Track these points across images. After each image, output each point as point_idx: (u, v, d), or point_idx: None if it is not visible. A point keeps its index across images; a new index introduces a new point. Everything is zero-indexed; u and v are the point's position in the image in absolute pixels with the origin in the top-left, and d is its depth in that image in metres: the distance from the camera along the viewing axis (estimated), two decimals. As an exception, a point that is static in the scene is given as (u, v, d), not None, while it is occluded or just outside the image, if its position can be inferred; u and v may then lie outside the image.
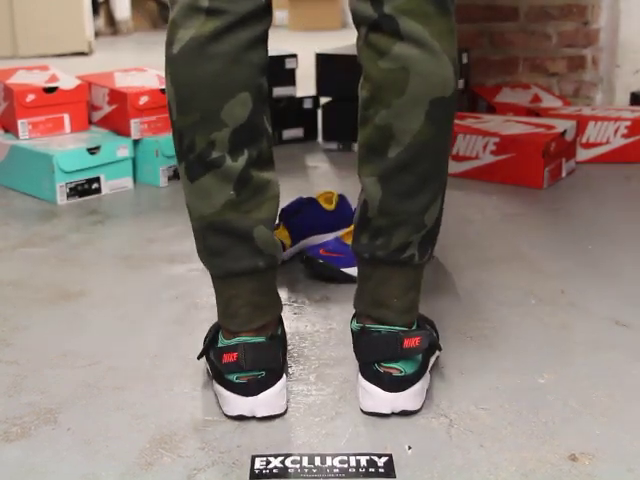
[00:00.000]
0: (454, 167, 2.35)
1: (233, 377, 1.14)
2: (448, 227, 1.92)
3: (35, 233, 1.96)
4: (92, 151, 2.21)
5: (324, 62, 2.72)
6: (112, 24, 7.03)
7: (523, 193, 2.20)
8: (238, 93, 1.08)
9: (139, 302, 1.56)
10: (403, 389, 1.14)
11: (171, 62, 1.10)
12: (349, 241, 1.67)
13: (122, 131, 2.33)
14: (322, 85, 2.74)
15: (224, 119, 1.09)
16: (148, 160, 2.32)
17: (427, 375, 1.20)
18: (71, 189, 2.18)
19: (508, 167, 2.27)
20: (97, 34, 6.39)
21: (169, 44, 1.10)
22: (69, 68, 3.59)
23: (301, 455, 1.07)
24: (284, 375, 1.18)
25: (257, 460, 1.06)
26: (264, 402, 1.13)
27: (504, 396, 1.21)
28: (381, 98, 1.07)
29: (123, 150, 2.27)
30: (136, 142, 2.32)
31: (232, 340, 1.16)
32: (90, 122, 2.43)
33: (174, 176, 2.33)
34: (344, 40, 3.84)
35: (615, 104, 2.94)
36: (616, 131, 2.50)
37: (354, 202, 1.82)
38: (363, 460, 1.05)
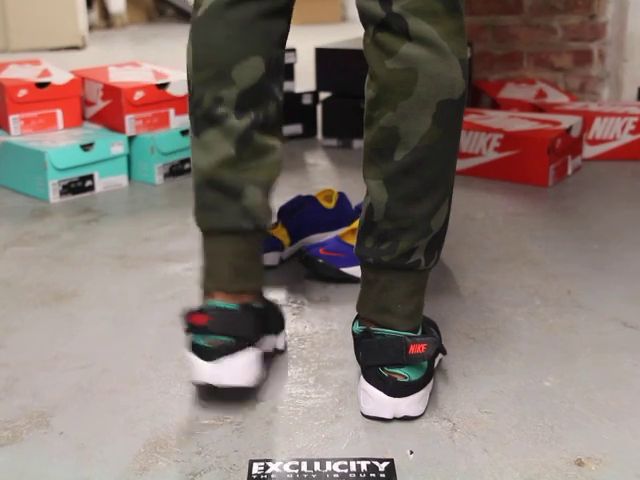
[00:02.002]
0: (457, 164, 2.35)
1: (201, 340, 1.15)
2: (451, 226, 1.93)
3: (27, 232, 1.96)
4: (86, 148, 2.20)
5: (324, 57, 2.72)
6: (106, 17, 7.03)
7: (528, 191, 2.20)
8: (251, 56, 1.15)
9: (134, 302, 1.56)
10: (406, 395, 1.14)
11: (194, 24, 1.19)
12: (349, 240, 1.67)
13: (116, 127, 2.33)
14: (321, 80, 2.75)
15: (234, 78, 1.15)
16: (143, 157, 2.32)
17: (431, 381, 1.20)
18: (64, 187, 2.18)
19: (512, 164, 2.27)
20: (91, 27, 6.39)
21: (195, 8, 1.19)
22: (62, 62, 3.59)
23: (300, 460, 1.07)
24: (257, 349, 1.18)
25: (255, 465, 1.05)
26: (229, 370, 1.14)
27: (508, 399, 1.21)
28: (387, 99, 1.08)
29: (117, 147, 2.27)
30: (131, 139, 2.32)
31: (206, 303, 1.17)
32: (83, 118, 2.43)
33: (170, 173, 2.34)
34: (344, 34, 3.84)
35: (622, 99, 2.94)
36: (623, 127, 2.50)
37: (354, 200, 1.83)
38: (364, 465, 1.05)
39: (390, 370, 1.14)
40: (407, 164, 1.09)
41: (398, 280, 1.15)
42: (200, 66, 1.16)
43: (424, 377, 1.16)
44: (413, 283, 1.15)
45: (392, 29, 1.06)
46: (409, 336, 1.14)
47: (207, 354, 1.14)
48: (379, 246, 1.14)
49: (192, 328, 1.15)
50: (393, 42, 1.06)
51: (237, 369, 1.15)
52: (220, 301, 1.17)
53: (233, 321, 1.15)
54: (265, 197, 1.19)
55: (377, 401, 1.14)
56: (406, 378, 1.14)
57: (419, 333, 1.18)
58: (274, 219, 1.21)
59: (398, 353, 1.13)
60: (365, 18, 1.10)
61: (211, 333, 1.14)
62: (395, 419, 1.15)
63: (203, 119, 1.17)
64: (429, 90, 1.06)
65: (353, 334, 1.19)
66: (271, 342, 1.30)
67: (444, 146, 1.09)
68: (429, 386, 1.19)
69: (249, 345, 1.17)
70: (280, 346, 1.33)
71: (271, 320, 1.28)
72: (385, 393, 1.13)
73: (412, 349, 1.12)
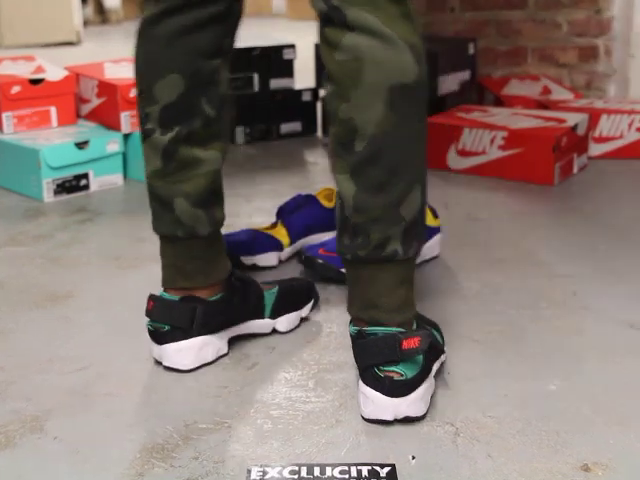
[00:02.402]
0: (459, 163, 2.36)
1: (149, 324, 1.31)
2: (454, 226, 1.93)
3: (20, 232, 1.96)
4: (80, 146, 2.20)
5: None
6: (101, 12, 7.03)
7: (533, 190, 2.20)
8: (168, 74, 1.23)
9: (130, 304, 1.56)
10: (405, 394, 1.14)
11: (135, 38, 1.30)
12: (350, 240, 1.67)
13: (112, 125, 2.33)
14: (321, 77, 2.74)
15: (156, 96, 1.25)
16: (139, 155, 2.32)
17: (431, 380, 1.20)
18: (58, 186, 2.18)
19: (517, 163, 2.27)
20: (86, 23, 6.39)
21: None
22: (56, 59, 3.59)
23: (299, 465, 1.06)
24: (196, 338, 1.29)
25: (254, 470, 1.05)
26: (166, 353, 1.30)
27: (513, 403, 1.21)
28: (340, 92, 1.11)
29: (113, 145, 2.27)
30: (127, 136, 2.32)
31: (160, 292, 1.33)
32: (78, 115, 2.43)
33: (166, 172, 2.33)
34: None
35: (629, 96, 2.94)
36: (630, 125, 2.50)
37: (355, 199, 1.83)
38: (365, 470, 1.05)
39: (386, 369, 1.14)
40: (368, 154, 1.11)
41: (379, 273, 1.16)
42: (136, 83, 1.28)
43: (420, 373, 1.16)
44: (395, 274, 1.16)
45: (334, 22, 1.10)
46: (401, 332, 1.14)
47: (153, 337, 1.31)
48: (354, 241, 1.15)
49: (145, 312, 1.32)
50: (336, 34, 1.10)
51: (172, 354, 1.29)
52: (167, 293, 1.31)
53: (169, 311, 1.29)
54: (195, 207, 1.27)
55: (376, 403, 1.14)
56: (402, 376, 1.14)
57: (414, 327, 1.19)
58: (221, 223, 1.31)
59: (392, 350, 1.13)
60: (316, 14, 1.15)
61: (153, 319, 1.31)
62: (397, 423, 1.15)
63: (140, 133, 1.29)
64: (377, 77, 1.08)
65: (350, 336, 1.19)
66: (257, 326, 1.40)
67: (402, 132, 1.11)
68: (429, 385, 1.18)
69: (186, 333, 1.29)
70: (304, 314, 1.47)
71: (248, 307, 1.37)
72: (383, 394, 1.13)
73: (405, 344, 1.13)
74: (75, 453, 1.11)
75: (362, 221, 1.14)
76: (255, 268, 1.69)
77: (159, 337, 1.30)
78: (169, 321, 1.29)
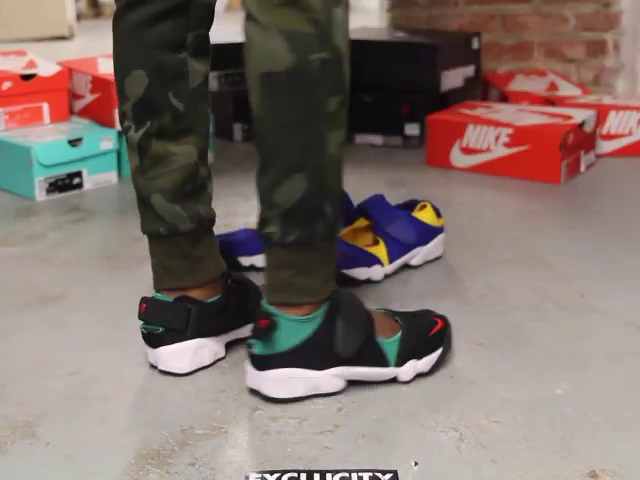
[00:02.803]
0: (463, 161, 2.36)
1: (143, 327, 1.32)
2: (457, 226, 1.93)
3: (12, 231, 1.96)
4: (73, 143, 2.20)
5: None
6: (95, 6, 7.03)
7: (538, 189, 2.20)
8: (133, 70, 1.26)
9: (124, 306, 1.56)
10: (260, 368, 1.21)
11: None
12: (350, 240, 1.68)
13: (106, 121, 2.33)
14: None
15: (127, 93, 1.28)
16: (134, 153, 2.32)
17: (310, 375, 1.21)
18: (51, 184, 2.18)
19: (522, 161, 2.27)
20: (79, 17, 6.39)
21: None
22: (48, 53, 3.59)
23: (299, 471, 1.07)
24: (191, 340, 1.30)
25: (252, 476, 1.05)
26: (160, 357, 1.30)
27: (518, 408, 1.21)
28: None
29: (107, 142, 2.27)
30: (121, 133, 2.32)
31: (154, 294, 1.34)
32: (71, 112, 2.43)
33: (162, 170, 2.33)
34: (345, 23, 3.85)
35: (638, 92, 2.94)
36: (639, 121, 2.50)
37: (356, 198, 1.82)
38: (366, 477, 1.05)
39: (250, 341, 1.22)
40: (256, 135, 1.18)
41: (266, 251, 1.22)
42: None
43: (273, 355, 1.20)
44: (274, 256, 1.20)
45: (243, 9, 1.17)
46: (265, 311, 1.20)
47: (145, 339, 1.32)
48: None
49: (138, 315, 1.32)
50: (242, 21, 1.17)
51: (166, 357, 1.30)
52: (160, 294, 1.32)
53: (162, 312, 1.30)
54: (172, 203, 1.29)
55: (247, 372, 1.24)
56: (255, 350, 1.21)
57: (309, 315, 1.20)
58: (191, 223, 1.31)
59: (255, 325, 1.22)
60: None
61: (146, 321, 1.31)
62: (399, 428, 1.15)
63: (122, 131, 1.34)
64: (252, 63, 1.14)
65: None
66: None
67: (275, 119, 1.15)
68: (304, 378, 1.21)
69: (181, 335, 1.30)
70: None
71: (246, 309, 1.37)
72: (250, 363, 1.23)
73: (259, 323, 1.20)
74: (68, 459, 1.11)
75: (258, 198, 1.21)
76: (253, 269, 1.69)
77: (153, 340, 1.30)
78: (163, 322, 1.30)
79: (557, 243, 1.83)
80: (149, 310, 1.31)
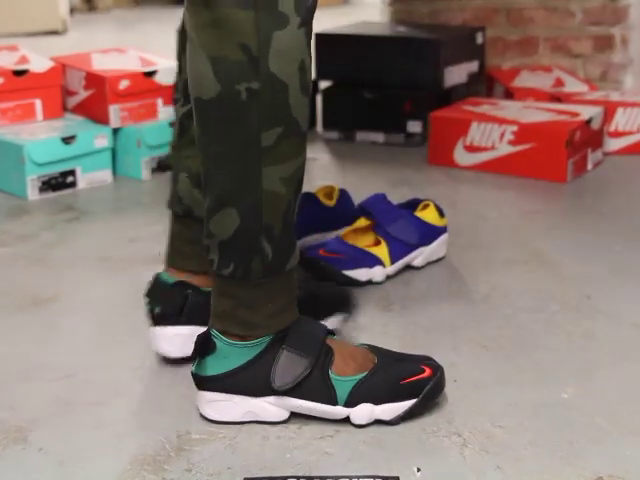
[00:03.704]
0: (467, 159, 2.36)
1: (147, 305, 1.35)
2: (461, 226, 1.93)
3: (3, 231, 1.96)
4: (67, 141, 2.20)
5: (324, 42, 2.72)
6: (89, 0, 7.03)
7: (544, 188, 2.20)
8: (183, 52, 1.24)
9: (119, 308, 1.56)
10: (197, 388, 1.21)
11: None
12: (351, 241, 1.68)
13: (100, 119, 2.33)
14: (322, 68, 2.75)
15: (182, 67, 1.30)
16: (129, 151, 2.32)
17: (234, 398, 1.19)
18: (44, 183, 2.18)
19: (527, 159, 2.27)
20: (72, 11, 6.39)
21: None
22: (41, 48, 3.58)
23: (298, 477, 1.07)
24: (184, 326, 1.32)
25: (250, 483, 1.06)
26: (154, 337, 1.34)
27: (523, 413, 1.21)
28: None
29: (101, 140, 2.27)
30: (116, 131, 2.32)
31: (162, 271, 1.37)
32: (65, 109, 2.43)
33: (158, 168, 2.34)
34: (346, 18, 3.84)
35: (646, 89, 2.94)
36: (647, 119, 2.50)
37: (357, 197, 1.83)
38: (367, 483, 1.05)
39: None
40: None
41: (212, 276, 1.20)
42: None
43: (205, 377, 1.19)
44: (217, 283, 1.19)
45: None
46: (208, 334, 1.19)
47: (149, 317, 1.34)
48: None
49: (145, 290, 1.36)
50: None
51: (158, 338, 1.33)
52: (166, 274, 1.35)
53: (160, 293, 1.33)
54: (194, 187, 1.31)
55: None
56: (192, 368, 1.21)
57: (245, 342, 1.18)
58: None
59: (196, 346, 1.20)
60: None
61: (147, 298, 1.34)
62: (401, 434, 1.15)
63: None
64: (190, 85, 1.12)
65: None
66: None
67: (207, 148, 1.13)
68: (233, 399, 1.19)
69: (176, 319, 1.32)
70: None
71: None
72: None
73: (197, 341, 1.19)
74: (61, 465, 1.11)
75: None
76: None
77: (152, 318, 1.33)
78: (159, 303, 1.33)
79: (563, 243, 1.83)
80: (151, 287, 1.35)
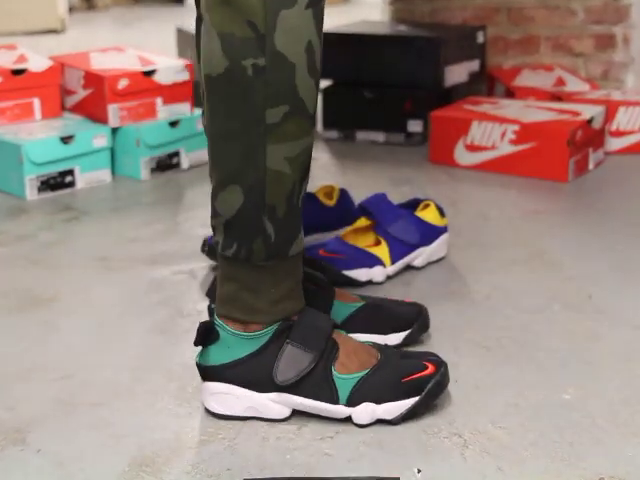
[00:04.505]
0: (468, 158, 2.36)
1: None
2: (462, 225, 1.93)
3: (2, 231, 1.96)
4: (65, 140, 2.20)
5: (325, 41, 2.70)
6: (88, -2, 7.02)
7: (545, 187, 2.20)
8: None
9: (117, 309, 1.56)
10: (202, 379, 1.22)
11: None
12: (351, 241, 1.68)
13: (99, 118, 2.33)
14: (322, 67, 2.74)
15: None
16: (128, 150, 2.32)
17: (238, 391, 1.19)
18: (42, 182, 2.18)
19: (529, 158, 2.27)
20: (71, 9, 6.39)
21: None
22: (40, 47, 3.59)
23: (299, 479, 1.07)
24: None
25: (249, 485, 1.06)
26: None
27: (525, 414, 1.21)
28: None
29: (100, 139, 2.27)
30: (115, 130, 2.32)
31: None
32: (63, 108, 2.43)
33: (157, 168, 2.33)
34: (347, 16, 3.85)
35: (648, 88, 2.94)
36: (649, 118, 2.50)
37: (357, 197, 1.83)
38: (367, 485, 1.05)
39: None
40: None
41: (217, 259, 1.22)
42: None
43: (207, 368, 1.20)
44: (222, 267, 1.20)
45: None
46: (209, 322, 1.20)
47: (210, 315, 1.28)
48: None
49: None
50: None
51: None
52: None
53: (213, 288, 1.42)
54: None
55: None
56: (196, 358, 1.21)
57: (249, 332, 1.18)
58: None
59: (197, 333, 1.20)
60: None
61: (208, 298, 1.48)
62: (401, 435, 1.15)
63: None
64: (201, 62, 1.14)
65: None
66: None
67: (214, 125, 1.15)
68: (237, 392, 1.19)
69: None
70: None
71: None
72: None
73: (197, 331, 1.19)
74: (59, 466, 1.11)
75: None
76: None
77: (210, 316, 1.30)
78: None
79: (564, 243, 1.83)
80: (211, 287, 1.44)
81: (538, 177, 2.26)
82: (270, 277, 1.18)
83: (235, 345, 1.18)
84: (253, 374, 1.18)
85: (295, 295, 1.21)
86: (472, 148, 2.35)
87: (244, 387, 1.19)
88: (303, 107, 1.12)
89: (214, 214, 1.18)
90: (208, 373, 1.20)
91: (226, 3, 1.08)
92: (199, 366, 1.21)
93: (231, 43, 1.08)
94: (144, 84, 2.34)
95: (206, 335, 1.19)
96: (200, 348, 1.21)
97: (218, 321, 1.19)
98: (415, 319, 1.38)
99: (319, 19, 1.12)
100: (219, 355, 1.19)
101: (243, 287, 1.18)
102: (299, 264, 1.21)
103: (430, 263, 1.72)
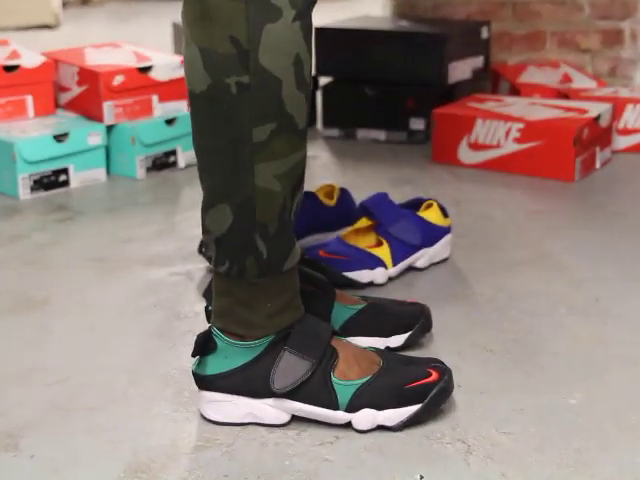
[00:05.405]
0: (472, 157, 2.36)
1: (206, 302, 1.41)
2: (466, 225, 1.93)
3: (-6, 232, 1.96)
4: (59, 138, 2.21)
5: (325, 37, 2.72)
6: (82, -7, 7.02)
7: (551, 187, 2.20)
8: None
9: (113, 311, 1.56)
10: (198, 388, 1.22)
11: None
12: (352, 241, 1.68)
13: (94, 115, 2.33)
14: (322, 64, 2.75)
15: None
16: (123, 149, 2.32)
17: (235, 398, 1.19)
18: (35, 182, 2.18)
19: (534, 157, 2.27)
20: (65, 4, 6.39)
21: None
22: (33, 43, 3.59)
23: (298, 486, 1.07)
24: None
25: (248, 491, 1.06)
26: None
27: (530, 419, 1.21)
28: None
29: (95, 137, 2.27)
30: (110, 128, 2.33)
31: None
32: (57, 105, 2.43)
33: (153, 167, 2.34)
34: (347, 11, 3.85)
35: (656, 85, 2.94)
36: (657, 116, 2.50)
37: (358, 197, 1.82)
38: (369, 491, 1.05)
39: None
40: None
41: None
42: None
43: (203, 377, 1.20)
44: (216, 282, 1.20)
45: None
46: (207, 332, 1.20)
47: (207, 317, 1.31)
48: None
49: None
50: None
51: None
52: None
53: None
54: None
55: None
56: (192, 367, 1.22)
57: (246, 341, 1.18)
58: None
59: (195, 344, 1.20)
60: None
61: (204, 298, 1.48)
62: (403, 440, 1.15)
63: None
64: (185, 77, 1.14)
65: None
66: None
67: (200, 142, 1.14)
68: (234, 400, 1.19)
69: None
70: None
71: None
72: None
73: (196, 343, 1.19)
74: (54, 472, 1.11)
75: None
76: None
77: (207, 317, 1.31)
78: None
79: (571, 244, 1.83)
80: (208, 288, 1.42)
81: (544, 176, 2.26)
82: (264, 293, 1.18)
83: (233, 355, 1.19)
84: (250, 382, 1.18)
85: (293, 306, 1.21)
86: (476, 147, 2.35)
87: (242, 395, 1.19)
88: (291, 123, 1.11)
89: (204, 230, 1.18)
90: (205, 382, 1.20)
91: (207, 17, 1.06)
92: (196, 375, 1.21)
93: (213, 60, 1.07)
94: (140, 81, 2.34)
95: (204, 346, 1.19)
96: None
97: (215, 331, 1.19)
98: (417, 319, 1.39)
99: (307, 30, 1.10)
100: (216, 365, 1.19)
101: (238, 302, 1.18)
102: (294, 276, 1.21)
103: (433, 264, 1.73)
